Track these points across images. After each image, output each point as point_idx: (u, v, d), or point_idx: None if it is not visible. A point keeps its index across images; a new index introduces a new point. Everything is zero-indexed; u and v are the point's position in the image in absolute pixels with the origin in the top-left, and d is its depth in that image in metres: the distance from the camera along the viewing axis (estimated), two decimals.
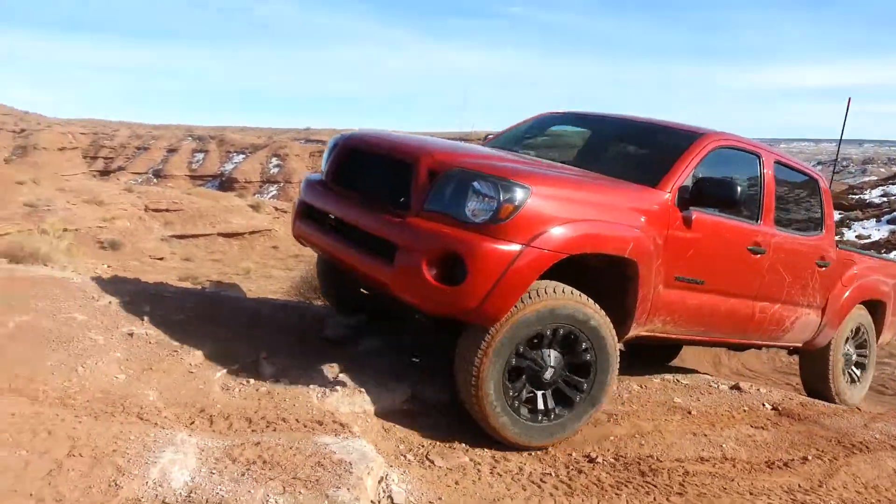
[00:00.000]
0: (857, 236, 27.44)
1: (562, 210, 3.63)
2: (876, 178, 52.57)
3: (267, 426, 3.37)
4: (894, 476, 4.33)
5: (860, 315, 6.36)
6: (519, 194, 3.49)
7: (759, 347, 6.06)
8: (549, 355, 3.75)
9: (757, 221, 4.93)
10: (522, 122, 6.01)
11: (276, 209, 36.26)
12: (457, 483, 3.38)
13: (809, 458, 4.37)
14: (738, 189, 4.16)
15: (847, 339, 6.31)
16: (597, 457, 3.89)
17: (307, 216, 4.63)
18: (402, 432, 3.81)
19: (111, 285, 5.34)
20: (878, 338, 6.75)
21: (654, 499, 3.51)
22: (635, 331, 4.29)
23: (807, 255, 5.46)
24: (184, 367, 3.95)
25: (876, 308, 6.57)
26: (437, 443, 3.77)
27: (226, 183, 79.36)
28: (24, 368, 3.51)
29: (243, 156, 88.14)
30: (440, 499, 3.17)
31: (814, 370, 6.29)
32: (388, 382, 4.20)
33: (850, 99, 6.69)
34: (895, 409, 6.76)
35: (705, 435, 4.51)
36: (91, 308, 4.59)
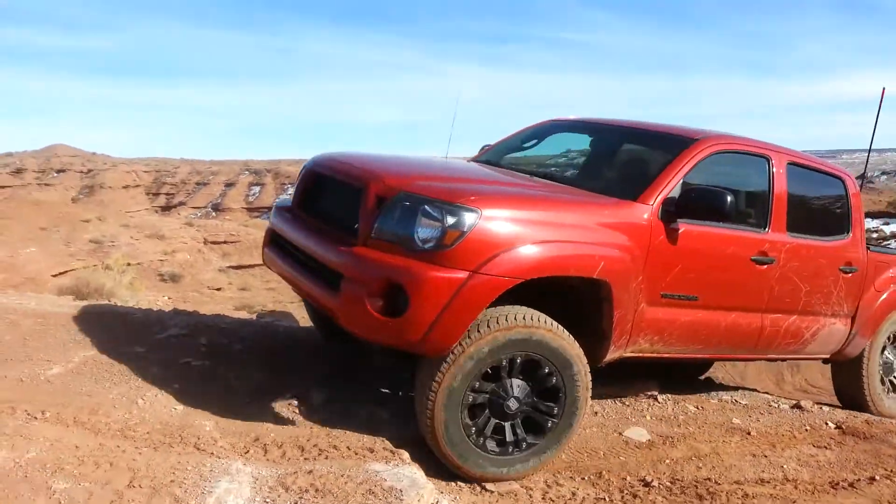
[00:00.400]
0: None
1: (517, 232, 3.42)
2: None
3: (319, 454, 3.42)
4: None
5: None
6: (466, 218, 3.31)
7: (780, 360, 5.71)
8: (511, 385, 3.54)
9: (764, 229, 4.61)
10: (522, 131, 5.71)
11: None
12: None
13: (877, 478, 4.19)
14: (728, 199, 3.91)
15: (884, 347, 5.90)
16: (652, 480, 3.81)
17: (273, 243, 4.47)
18: None
19: (170, 318, 5.52)
20: None
21: None
22: (616, 352, 4.04)
23: (828, 261, 5.08)
24: (238, 397, 4.04)
25: None
26: None
27: None
28: (87, 402, 3.66)
29: None
30: None
31: (848, 381, 5.89)
32: None
33: (884, 89, 6.29)
34: None
35: (765, 456, 4.38)
36: (151, 341, 4.75)
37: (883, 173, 58.72)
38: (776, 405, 5.47)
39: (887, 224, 41.67)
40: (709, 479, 3.94)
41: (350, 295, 3.39)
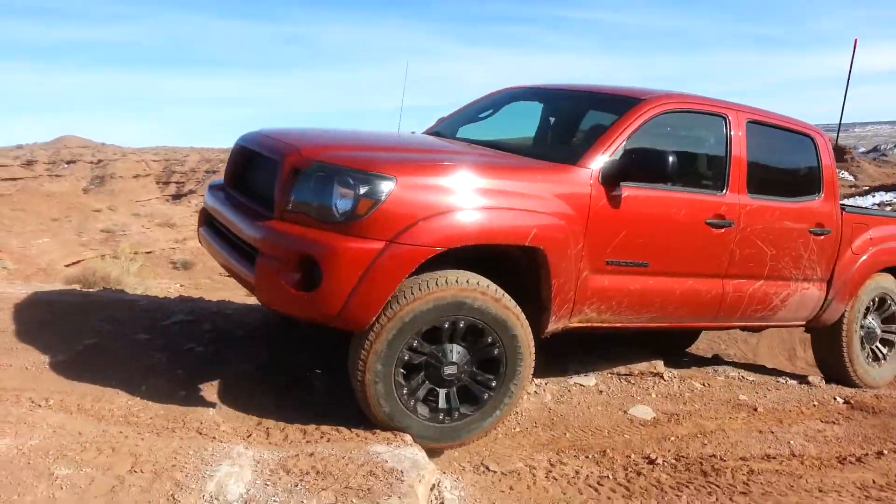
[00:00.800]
0: None
1: (439, 201, 3.30)
2: None
3: (321, 437, 3.43)
4: None
5: (883, 284, 5.66)
6: (380, 186, 3.21)
7: (754, 330, 5.35)
8: (450, 350, 3.45)
9: (722, 191, 4.41)
10: (478, 101, 5.49)
11: None
12: (511, 488, 3.36)
13: (885, 452, 4.16)
14: (670, 159, 3.74)
15: (866, 312, 5.63)
16: (656, 458, 3.80)
17: (207, 223, 4.36)
18: None
19: (176, 305, 5.54)
20: None
21: (717, 499, 3.41)
22: (559, 322, 3.91)
23: (796, 223, 4.85)
24: (242, 382, 4.06)
25: None
26: (493, 450, 3.76)
27: None
28: (91, 389, 3.69)
29: None
30: None
31: (828, 349, 5.63)
32: None
33: (856, 40, 6.09)
34: None
35: (772, 432, 4.36)
36: (155, 328, 4.77)
37: None
38: (784, 381, 5.45)
39: None
40: (714, 455, 3.92)
41: (265, 269, 3.30)
